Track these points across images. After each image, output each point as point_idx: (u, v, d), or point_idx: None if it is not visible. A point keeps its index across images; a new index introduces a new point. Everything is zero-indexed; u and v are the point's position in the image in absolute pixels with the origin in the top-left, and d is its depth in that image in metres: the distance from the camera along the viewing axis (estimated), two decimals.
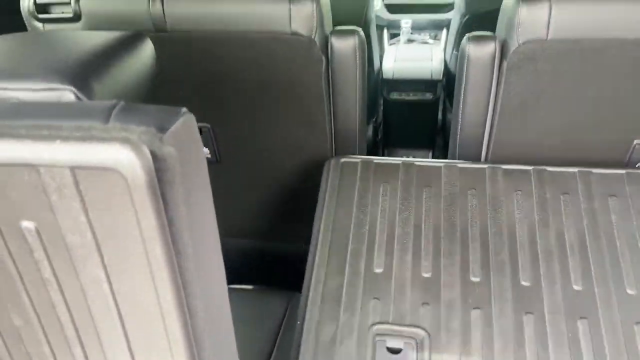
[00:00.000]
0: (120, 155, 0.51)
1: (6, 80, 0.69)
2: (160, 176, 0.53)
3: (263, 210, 1.69)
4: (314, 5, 1.36)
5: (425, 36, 3.98)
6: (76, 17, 1.46)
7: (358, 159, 1.41)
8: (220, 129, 1.51)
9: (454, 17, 2.95)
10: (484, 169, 1.33)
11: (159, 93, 1.26)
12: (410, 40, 3.93)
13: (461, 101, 1.41)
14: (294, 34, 1.38)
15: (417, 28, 3.92)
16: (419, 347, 1.07)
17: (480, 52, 1.35)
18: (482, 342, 1.07)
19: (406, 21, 3.86)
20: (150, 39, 0.90)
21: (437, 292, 1.16)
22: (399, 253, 1.22)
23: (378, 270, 1.21)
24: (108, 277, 0.59)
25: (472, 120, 1.43)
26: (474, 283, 1.15)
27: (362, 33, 1.48)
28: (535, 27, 1.25)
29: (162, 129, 0.54)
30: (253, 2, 1.38)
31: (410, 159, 1.41)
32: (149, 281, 0.58)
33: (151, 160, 0.51)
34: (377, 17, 3.96)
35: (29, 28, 1.52)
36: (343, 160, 1.40)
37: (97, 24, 1.45)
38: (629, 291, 1.09)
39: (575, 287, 1.12)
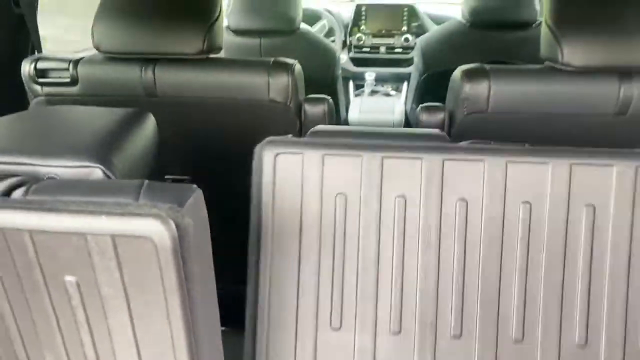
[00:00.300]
0: (152, 227, 0.67)
1: (43, 158, 0.85)
2: (181, 242, 0.69)
3: (238, 254, 1.84)
4: (289, 77, 1.56)
5: (388, 88, 4.27)
6: (73, 82, 1.62)
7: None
8: (203, 184, 1.67)
9: (413, 73, 3.22)
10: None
11: None
12: (374, 92, 4.21)
13: None
14: (272, 101, 1.57)
15: (380, 80, 4.21)
16: None
17: (431, 119, 1.56)
18: None
19: (370, 74, 4.15)
20: (140, 104, 1.07)
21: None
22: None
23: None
24: (132, 321, 0.74)
25: None
26: (454, 340, 1.05)
27: (330, 100, 1.68)
28: (478, 102, 1.47)
29: (181, 204, 0.71)
30: (236, 73, 1.57)
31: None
32: (166, 325, 0.73)
33: (175, 230, 0.67)
34: (344, 69, 4.24)
35: (28, 91, 1.66)
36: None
37: (93, 89, 1.61)
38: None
39: (578, 342, 1.02)
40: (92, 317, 0.74)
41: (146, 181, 0.75)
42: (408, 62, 4.16)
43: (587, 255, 0.97)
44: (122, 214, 0.67)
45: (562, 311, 0.98)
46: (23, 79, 1.66)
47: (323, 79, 2.95)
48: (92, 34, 1.55)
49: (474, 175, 1.03)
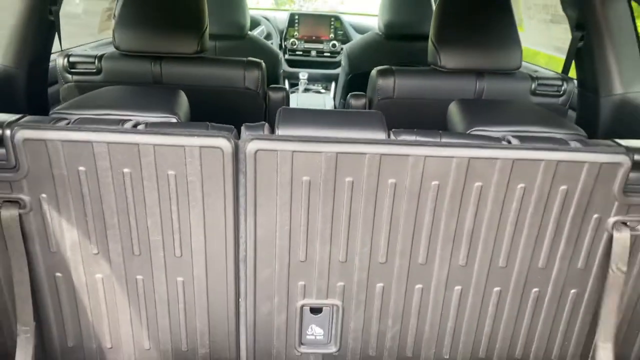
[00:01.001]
0: (221, 142, 1.32)
1: (141, 111, 1.48)
2: (236, 151, 1.34)
3: None
4: (259, 72, 2.22)
5: (319, 86, 4.95)
6: (98, 72, 2.19)
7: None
8: None
9: (341, 74, 3.90)
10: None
11: None
12: (307, 90, 4.88)
13: None
14: (247, 88, 2.22)
15: (311, 80, 4.88)
16: (335, 311, 1.55)
17: (357, 103, 2.28)
18: (379, 310, 1.54)
19: (303, 74, 4.82)
20: None
21: (351, 273, 1.49)
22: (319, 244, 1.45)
23: (302, 259, 1.47)
24: (203, 199, 1.38)
25: None
26: (379, 265, 1.48)
27: (287, 89, 2.36)
28: (387, 91, 2.21)
29: (232, 133, 1.37)
30: (221, 68, 2.22)
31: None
32: (221, 208, 1.38)
33: (234, 144, 1.33)
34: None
35: (60, 79, 2.21)
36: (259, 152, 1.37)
37: (113, 78, 2.18)
38: (500, 265, 1.49)
39: (461, 264, 1.48)
40: (180, 193, 1.37)
41: (209, 123, 1.41)
42: (335, 65, 4.86)
43: (473, 212, 1.43)
44: (205, 136, 1.32)
45: (453, 244, 1.47)
46: (57, 69, 2.21)
47: (270, 76, 3.60)
48: (113, 37, 2.13)
49: (402, 165, 1.36)
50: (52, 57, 2.31)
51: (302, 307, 1.54)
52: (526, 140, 1.42)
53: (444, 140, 1.40)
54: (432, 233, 1.45)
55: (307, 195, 1.39)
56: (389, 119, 2.14)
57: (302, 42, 4.90)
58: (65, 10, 2.30)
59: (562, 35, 2.79)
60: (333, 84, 4.85)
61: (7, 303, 1.49)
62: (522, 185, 1.39)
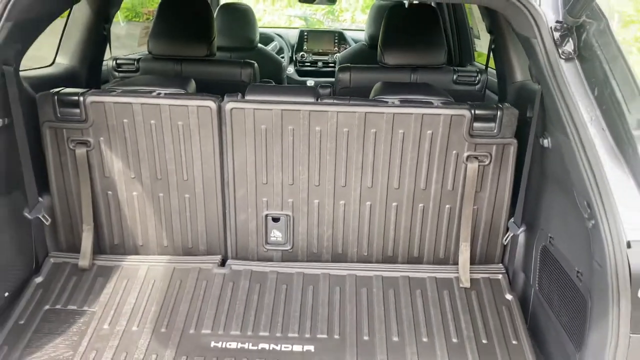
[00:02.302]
0: (210, 103, 2.14)
1: (166, 88, 2.32)
2: (220, 111, 2.16)
3: None
4: (252, 69, 3.06)
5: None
6: (136, 70, 3.07)
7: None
8: None
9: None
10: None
11: None
12: None
13: None
14: (242, 81, 3.05)
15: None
16: (288, 219, 2.41)
17: (324, 92, 3.08)
18: (317, 218, 2.36)
19: (310, 82, 5.64)
20: None
21: (297, 193, 2.39)
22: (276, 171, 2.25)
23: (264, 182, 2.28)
24: (200, 141, 2.20)
25: None
26: (315, 187, 2.28)
27: (273, 82, 3.18)
28: (345, 82, 3.00)
29: (217, 98, 2.19)
30: (225, 67, 3.06)
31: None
32: (211, 147, 2.19)
33: (218, 105, 2.15)
34: (290, 78, 5.71)
35: (110, 77, 3.09)
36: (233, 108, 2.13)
37: (147, 74, 3.05)
38: (395, 187, 2.36)
39: (368, 186, 2.26)
40: (186, 137, 2.19)
41: (204, 93, 2.23)
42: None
43: (372, 150, 2.19)
44: (200, 99, 2.14)
45: (362, 172, 2.24)
46: (108, 69, 3.10)
47: (274, 80, 4.44)
48: (148, 44, 3.00)
49: (324, 118, 2.14)
50: (105, 61, 3.20)
51: (266, 216, 2.33)
52: (405, 102, 2.19)
53: (350, 102, 2.19)
54: (347, 164, 2.23)
55: (265, 138, 2.19)
56: None
57: (310, 54, 5.68)
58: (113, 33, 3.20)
59: None
60: None
61: (77, 211, 2.33)
62: (402, 131, 2.16)
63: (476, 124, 2.16)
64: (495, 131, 2.17)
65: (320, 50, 5.70)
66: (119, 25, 5.08)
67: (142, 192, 2.31)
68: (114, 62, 3.08)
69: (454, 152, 2.20)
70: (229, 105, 2.15)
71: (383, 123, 2.15)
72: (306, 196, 2.29)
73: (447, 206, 2.29)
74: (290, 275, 2.31)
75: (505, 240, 2.28)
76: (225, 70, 3.08)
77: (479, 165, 2.20)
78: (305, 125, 2.17)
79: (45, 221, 2.24)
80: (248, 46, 4.30)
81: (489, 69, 3.34)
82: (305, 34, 5.77)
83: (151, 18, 4.96)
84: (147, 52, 3.10)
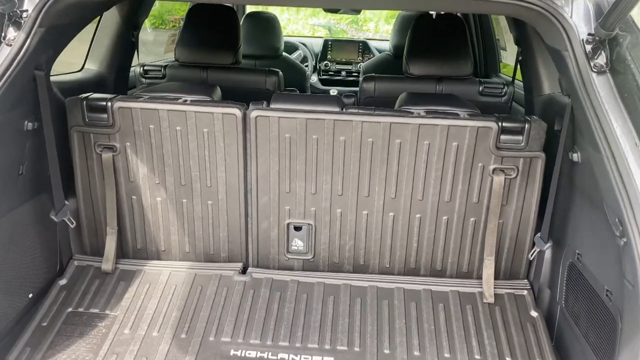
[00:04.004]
0: (236, 111, 2.15)
1: (191, 95, 2.33)
2: (244, 118, 2.17)
3: None
4: (277, 77, 3.07)
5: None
6: (163, 77, 3.10)
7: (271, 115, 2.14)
8: None
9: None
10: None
11: None
12: None
13: None
14: (267, 89, 3.06)
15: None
16: (310, 228, 2.41)
17: (348, 101, 3.08)
18: (339, 228, 2.36)
19: (333, 91, 5.64)
20: None
21: (319, 202, 2.31)
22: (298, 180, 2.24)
23: (287, 191, 2.26)
24: (225, 150, 2.21)
25: None
26: (338, 196, 2.29)
27: (297, 90, 3.18)
28: (370, 92, 2.99)
29: (243, 106, 2.19)
30: (250, 75, 3.08)
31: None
32: (235, 154, 2.20)
33: (243, 113, 2.16)
34: (314, 87, 5.72)
35: (137, 83, 3.13)
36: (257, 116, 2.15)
37: (173, 81, 3.08)
38: (418, 198, 2.27)
39: (392, 197, 2.23)
40: (210, 143, 2.20)
41: (230, 100, 2.24)
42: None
43: (396, 160, 2.18)
44: (225, 106, 2.15)
45: (385, 182, 2.23)
46: (135, 75, 3.14)
47: (299, 89, 4.45)
48: (175, 52, 3.03)
49: (348, 128, 2.13)
50: (132, 68, 3.24)
51: (288, 225, 2.33)
52: (431, 114, 2.17)
53: (375, 112, 2.17)
54: (371, 174, 2.21)
55: (289, 146, 2.19)
56: None
57: (334, 64, 5.69)
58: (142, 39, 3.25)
59: None
60: None
61: (101, 214, 2.35)
62: (427, 142, 2.14)
63: (503, 137, 2.13)
64: (522, 144, 2.13)
65: (344, 60, 5.71)
66: (146, 32, 5.16)
67: (165, 198, 2.32)
68: (142, 68, 3.11)
69: (480, 164, 2.17)
70: (254, 113, 2.15)
71: (408, 134, 2.13)
72: (329, 206, 2.28)
73: (472, 219, 2.26)
74: (311, 285, 2.29)
75: (531, 255, 2.24)
76: (250, 78, 3.10)
77: (505, 179, 2.16)
78: (329, 135, 2.16)
79: (70, 224, 2.26)
80: (273, 54, 4.33)
81: (515, 81, 3.31)
82: (330, 43, 5.78)
83: (177, 26, 5.02)
84: (173, 59, 3.14)
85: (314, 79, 5.74)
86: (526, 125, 2.12)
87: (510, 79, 3.63)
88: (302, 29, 9.57)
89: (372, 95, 3.02)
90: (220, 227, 2.35)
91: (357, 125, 2.14)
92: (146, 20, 3.49)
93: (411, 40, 2.98)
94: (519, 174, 2.17)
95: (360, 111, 2.19)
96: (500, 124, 2.11)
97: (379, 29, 9.90)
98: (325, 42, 5.81)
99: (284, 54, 4.53)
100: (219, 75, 3.07)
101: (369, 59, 5.71)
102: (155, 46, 4.83)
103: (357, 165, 2.20)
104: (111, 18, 2.99)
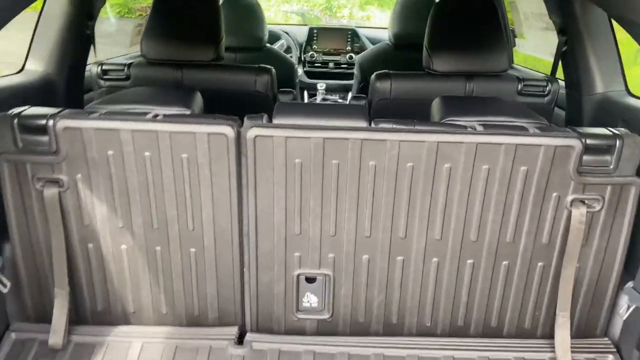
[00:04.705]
0: (227, 129, 1.57)
1: (161, 106, 1.74)
2: (238, 137, 1.58)
3: None
4: (269, 77, 2.48)
5: (336, 97, 5.19)
6: (127, 78, 2.48)
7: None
8: None
9: (354, 82, 4.14)
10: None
11: None
12: (324, 99, 5.14)
13: None
14: (257, 91, 2.48)
15: (329, 90, 5.13)
16: (327, 280, 1.75)
17: (358, 104, 2.52)
18: (366, 279, 1.73)
19: (321, 85, 5.08)
20: None
21: (340, 246, 1.70)
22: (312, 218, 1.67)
23: (297, 233, 1.68)
24: (211, 178, 1.62)
25: None
26: (365, 238, 1.69)
27: (295, 92, 2.60)
28: (384, 93, 2.43)
29: (236, 122, 1.61)
30: (235, 74, 2.48)
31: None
32: (226, 187, 1.62)
33: (237, 131, 1.57)
34: (299, 81, 5.15)
35: (94, 85, 2.51)
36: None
37: (140, 84, 2.46)
38: (472, 239, 1.67)
39: (436, 238, 1.67)
40: (192, 174, 1.62)
41: (217, 114, 1.66)
42: (352, 76, 5.09)
43: (444, 191, 1.61)
44: (212, 124, 1.57)
45: (428, 219, 1.66)
46: (91, 76, 2.51)
47: (285, 85, 3.86)
48: (141, 47, 2.42)
49: (380, 149, 1.57)
50: (88, 66, 2.61)
51: (298, 276, 1.76)
52: (490, 128, 1.63)
53: (416, 127, 1.62)
54: (410, 209, 1.66)
55: (300, 175, 1.62)
56: (386, 118, 2.36)
57: (321, 54, 5.15)
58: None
59: (554, 41, 2.97)
60: (350, 94, 5.08)
61: (47, 269, 1.75)
62: (486, 166, 1.60)
63: (586, 158, 1.60)
64: (611, 167, 1.61)
65: (332, 50, 5.16)
66: (109, 22, 4.48)
67: (133, 245, 1.74)
68: (99, 67, 2.49)
69: (555, 194, 1.64)
70: (252, 131, 1.58)
71: (461, 156, 1.59)
72: (352, 250, 1.73)
73: (540, 264, 1.73)
74: (330, 356, 1.74)
75: (621, 310, 1.72)
76: (237, 77, 2.50)
77: (587, 212, 1.64)
78: (354, 159, 1.60)
79: (2, 287, 1.66)
80: (256, 46, 3.73)
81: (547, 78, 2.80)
82: (315, 31, 5.21)
83: (144, 15, 4.35)
84: (139, 55, 2.52)
85: (299, 71, 5.17)
86: (617, 142, 1.59)
87: (531, 71, 3.13)
88: (275, 16, 9.06)
89: (387, 97, 2.46)
90: (208, 281, 1.78)
91: (392, 146, 1.58)
92: (108, 8, 2.85)
93: (434, 28, 2.42)
94: (605, 205, 1.64)
95: (395, 127, 1.63)
96: (584, 141, 1.58)
97: (353, 16, 9.50)
98: (311, 30, 5.23)
99: (267, 45, 3.93)
100: (197, 75, 2.47)
101: (358, 48, 5.17)
102: (124, 38, 4.18)
103: (392, 198, 1.65)
104: (58, 5, 2.35)
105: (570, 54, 2.45)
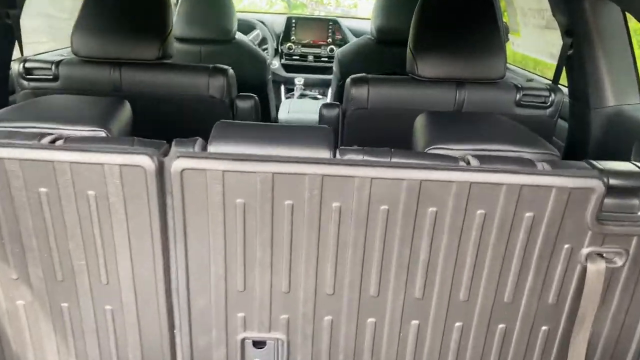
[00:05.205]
0: (143, 160, 1.19)
1: (67, 124, 1.35)
2: (160, 170, 1.21)
3: None
4: (225, 79, 2.09)
5: (315, 92, 4.82)
6: (55, 79, 2.08)
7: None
8: None
9: (333, 80, 3.78)
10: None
11: None
12: (302, 95, 4.76)
13: None
14: (211, 97, 2.09)
15: (308, 85, 4.76)
16: (280, 345, 1.39)
17: (330, 114, 2.14)
18: (329, 345, 1.38)
19: (299, 79, 4.70)
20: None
21: (295, 305, 1.33)
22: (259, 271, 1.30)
23: (241, 289, 1.31)
24: (127, 221, 1.25)
25: None
26: (327, 296, 1.32)
27: (257, 98, 2.22)
28: (360, 101, 2.06)
29: (159, 149, 1.23)
30: (184, 75, 2.09)
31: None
32: (148, 232, 1.25)
33: (157, 162, 1.20)
34: (276, 74, 4.76)
35: (17, 87, 2.10)
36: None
37: (70, 85, 2.07)
38: (461, 298, 1.33)
39: (417, 297, 1.32)
40: (102, 215, 1.25)
41: (136, 138, 1.28)
42: (333, 70, 4.74)
43: (428, 240, 1.26)
44: (125, 153, 1.19)
45: (407, 275, 1.29)
46: (12, 75, 2.11)
47: (255, 82, 3.47)
48: (71, 42, 2.02)
49: (347, 187, 1.20)
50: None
51: (243, 340, 1.40)
52: (488, 161, 1.27)
53: (394, 160, 1.25)
54: (384, 262, 1.31)
55: (243, 219, 1.26)
56: (362, 131, 1.98)
57: (299, 46, 4.79)
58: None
59: (556, 42, 2.63)
60: (330, 90, 4.72)
61: None
62: (481, 211, 1.24)
63: (608, 201, 1.25)
64: (639, 213, 1.27)
65: (311, 42, 4.80)
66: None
67: (32, 301, 1.36)
68: (21, 65, 2.08)
69: (566, 246, 1.29)
70: (179, 163, 1.20)
71: (450, 198, 1.23)
72: (311, 311, 1.37)
73: (544, 328, 1.39)
74: None
75: None
76: (186, 80, 2.11)
77: (607, 268, 1.30)
78: (314, 199, 1.24)
79: None
80: (223, 38, 3.34)
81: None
82: (294, 21, 4.82)
83: None
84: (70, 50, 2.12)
85: (275, 64, 4.80)
86: None
87: (526, 73, 2.79)
88: (260, 1, 8.66)
89: (364, 106, 2.09)
90: (130, 345, 1.41)
91: (362, 183, 1.22)
92: None
93: (419, 26, 2.06)
94: (629, 260, 1.30)
95: (367, 159, 1.26)
96: (606, 180, 1.23)
97: (340, 3, 9.18)
98: (289, 19, 4.84)
99: (237, 36, 3.53)
100: (139, 76, 2.08)
101: (340, 40, 4.79)
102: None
103: (361, 248, 1.29)
104: None
105: (576, 59, 2.10)
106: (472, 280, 1.32)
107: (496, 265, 1.30)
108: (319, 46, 4.79)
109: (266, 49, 4.72)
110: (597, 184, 1.21)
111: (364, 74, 2.14)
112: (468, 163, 1.27)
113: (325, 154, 1.27)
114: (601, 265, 1.29)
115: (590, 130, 2.06)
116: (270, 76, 3.80)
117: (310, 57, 4.76)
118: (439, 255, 1.29)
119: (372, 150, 1.29)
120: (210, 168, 1.20)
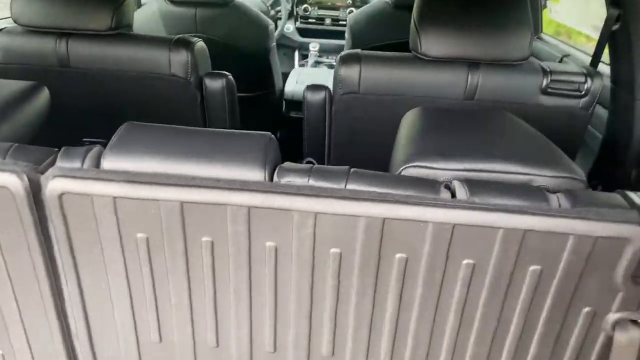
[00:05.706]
0: (9, 179, 0.89)
1: None
2: (34, 193, 0.91)
3: None
4: (189, 54, 1.76)
5: (332, 59, 4.43)
6: None
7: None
8: None
9: (345, 48, 3.39)
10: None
11: (61, 120, 1.61)
12: (318, 62, 4.38)
13: (305, 135, 1.85)
14: (173, 75, 1.77)
15: (325, 51, 4.38)
16: None
17: (315, 97, 1.79)
18: None
19: (314, 45, 4.31)
20: (55, 73, 1.22)
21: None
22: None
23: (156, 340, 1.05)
24: (4, 260, 0.96)
25: (315, 149, 1.87)
26: (267, 354, 1.05)
27: (230, 76, 1.88)
28: (350, 83, 1.70)
29: (38, 164, 0.93)
30: (141, 49, 1.76)
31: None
32: (30, 269, 0.96)
33: (28, 183, 0.89)
34: (289, 39, 4.39)
35: None
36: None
37: (11, 58, 1.78)
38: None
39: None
40: None
41: (15, 144, 0.97)
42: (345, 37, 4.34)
43: (396, 294, 0.96)
44: None
45: (370, 334, 1.00)
46: None
47: (256, 51, 3.11)
48: (11, 8, 1.72)
49: (285, 223, 0.91)
50: None
51: None
52: (481, 189, 0.91)
53: (349, 187, 0.91)
54: (338, 318, 0.99)
55: (148, 257, 0.95)
56: (352, 120, 1.64)
57: (316, 8, 4.39)
58: None
59: (602, 12, 2.18)
60: None
61: None
62: (469, 261, 0.90)
63: None
64: None
65: (329, 4, 4.38)
66: None
67: None
68: None
69: (586, 309, 0.94)
70: (55, 184, 0.89)
71: (424, 242, 0.89)
72: None
73: None
74: None
75: None
76: (142, 54, 1.78)
77: None
78: (240, 237, 0.91)
79: None
80: (220, 0, 2.98)
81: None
82: None
83: None
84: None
85: (289, 27, 4.42)
86: None
87: (571, 50, 2.35)
88: None
89: (355, 90, 1.73)
90: None
91: (304, 219, 0.89)
92: None
93: None
94: None
95: (312, 185, 0.92)
96: None
97: None
98: None
99: None
100: (89, 49, 1.76)
101: (361, 2, 4.37)
102: None
103: (307, 295, 0.97)
104: None
105: (622, 36, 1.68)
106: (456, 344, 0.99)
107: (487, 328, 0.97)
108: (337, 8, 4.40)
109: (279, 10, 4.34)
110: (635, 232, 0.85)
111: (357, 50, 1.77)
112: (453, 192, 0.92)
113: (257, 175, 0.94)
114: (635, 334, 0.94)
115: (635, 127, 1.66)
116: (274, 43, 3.43)
117: (328, 20, 4.37)
118: (411, 311, 0.96)
119: (325, 171, 0.95)
120: (96, 193, 0.89)
